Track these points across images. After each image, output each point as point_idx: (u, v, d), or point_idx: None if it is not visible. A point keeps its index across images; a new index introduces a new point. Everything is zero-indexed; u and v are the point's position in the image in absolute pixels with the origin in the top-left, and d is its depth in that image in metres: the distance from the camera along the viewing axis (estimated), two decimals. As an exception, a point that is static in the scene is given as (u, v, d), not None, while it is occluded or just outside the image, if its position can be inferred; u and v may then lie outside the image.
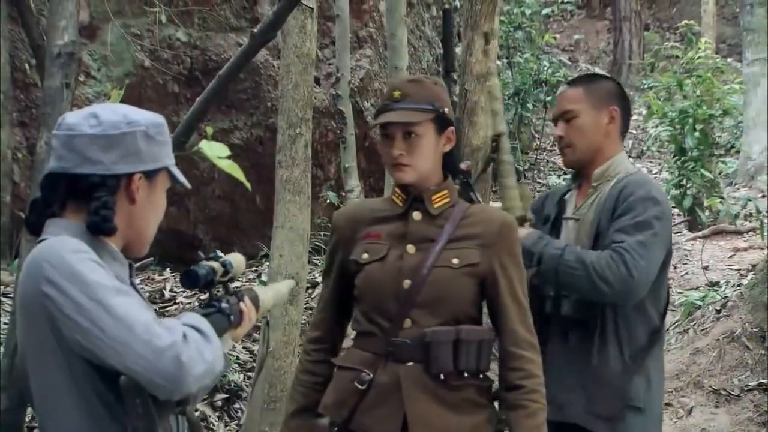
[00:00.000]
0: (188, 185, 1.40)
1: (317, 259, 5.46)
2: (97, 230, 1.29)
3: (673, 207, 6.50)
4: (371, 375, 1.68)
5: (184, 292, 4.69)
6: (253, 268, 5.37)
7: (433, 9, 8.04)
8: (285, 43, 3.37)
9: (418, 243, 1.71)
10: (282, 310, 3.18)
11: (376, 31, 6.56)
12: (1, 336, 3.36)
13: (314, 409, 1.78)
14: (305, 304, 4.28)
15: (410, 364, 1.67)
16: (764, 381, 3.85)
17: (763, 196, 7.31)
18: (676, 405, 3.83)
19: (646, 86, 9.42)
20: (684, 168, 6.91)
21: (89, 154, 1.29)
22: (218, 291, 1.38)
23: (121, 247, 1.36)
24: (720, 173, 7.60)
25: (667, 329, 4.49)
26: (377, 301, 1.70)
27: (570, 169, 2.20)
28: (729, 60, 9.63)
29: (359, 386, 1.68)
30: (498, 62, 4.44)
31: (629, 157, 4.37)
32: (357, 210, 1.84)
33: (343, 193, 5.15)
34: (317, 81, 5.66)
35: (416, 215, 1.73)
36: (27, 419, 2.62)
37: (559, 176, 8.90)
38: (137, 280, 4.60)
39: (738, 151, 8.62)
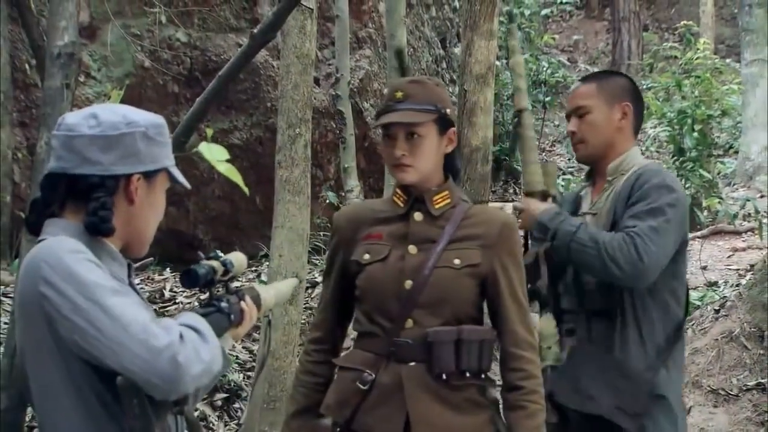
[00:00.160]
0: (188, 186, 1.40)
1: (317, 259, 5.47)
2: (96, 231, 1.29)
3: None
4: (373, 375, 1.68)
5: (183, 291, 4.69)
6: (253, 268, 5.37)
7: (432, 9, 8.05)
8: (285, 44, 3.38)
9: (420, 243, 1.71)
10: (282, 309, 3.19)
11: (375, 32, 6.57)
12: (1, 336, 3.37)
13: (315, 410, 1.79)
14: (305, 304, 4.28)
15: (412, 364, 1.67)
16: (763, 381, 3.86)
17: (762, 197, 7.33)
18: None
19: (644, 87, 9.43)
20: (683, 168, 6.92)
21: (88, 155, 1.29)
22: (219, 290, 1.38)
23: (121, 247, 1.36)
24: (718, 173, 7.61)
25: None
26: (379, 301, 1.70)
27: (581, 164, 2.23)
28: (727, 60, 9.65)
29: (361, 386, 1.68)
30: (497, 62, 4.45)
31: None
32: (358, 211, 1.85)
33: (343, 193, 5.16)
34: (317, 81, 5.67)
35: (417, 216, 1.74)
36: (27, 419, 2.62)
37: (558, 176, 8.91)
38: (137, 280, 4.59)
39: (736, 152, 8.63)
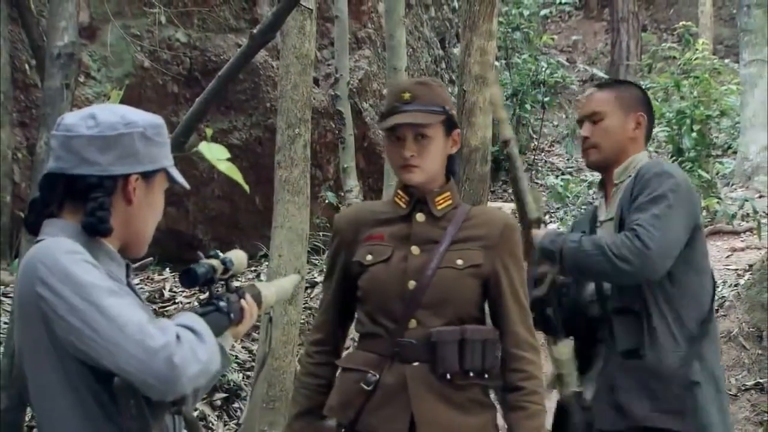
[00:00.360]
0: (187, 186, 1.40)
1: (316, 259, 5.48)
2: (93, 231, 1.29)
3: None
4: (377, 376, 1.68)
5: (183, 291, 4.70)
6: (253, 268, 5.38)
7: (431, 10, 8.06)
8: (284, 44, 3.39)
9: (422, 244, 1.72)
10: (281, 309, 3.20)
11: (374, 32, 6.57)
12: (1, 336, 3.37)
13: (318, 412, 1.79)
14: (304, 304, 4.29)
15: (416, 364, 1.68)
16: (761, 380, 3.87)
17: (761, 197, 7.33)
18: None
19: (643, 87, 9.42)
20: (681, 168, 6.93)
21: (86, 155, 1.29)
22: (219, 289, 1.38)
23: (119, 247, 1.36)
24: (717, 174, 7.62)
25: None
26: (382, 302, 1.71)
27: (592, 171, 2.24)
28: (726, 61, 9.66)
29: (365, 387, 1.68)
30: (496, 63, 4.45)
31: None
32: (359, 212, 1.85)
33: (342, 194, 5.17)
34: (316, 82, 5.67)
35: (420, 217, 1.74)
36: (27, 419, 2.62)
37: (557, 176, 8.92)
38: (136, 280, 4.56)
39: (735, 152, 8.63)
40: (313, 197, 4.47)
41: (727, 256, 6.01)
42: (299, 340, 3.51)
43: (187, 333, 1.22)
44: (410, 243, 1.72)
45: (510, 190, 9.13)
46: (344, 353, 1.87)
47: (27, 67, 4.94)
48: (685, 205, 1.96)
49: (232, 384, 3.89)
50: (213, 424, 3.69)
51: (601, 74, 10.96)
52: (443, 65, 8.26)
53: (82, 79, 4.95)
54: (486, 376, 1.71)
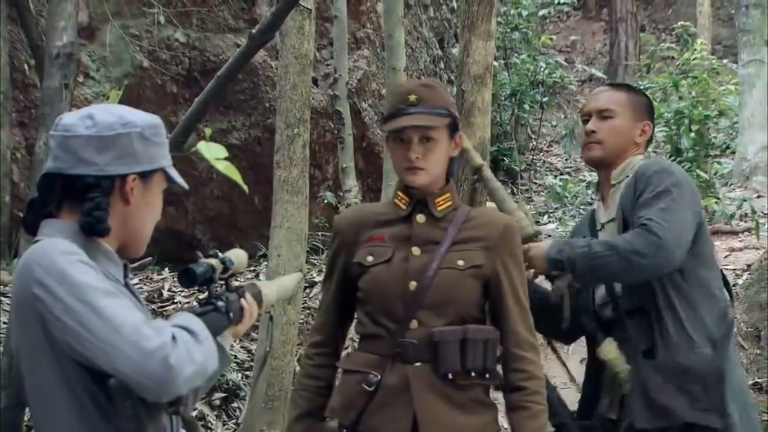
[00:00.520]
0: (185, 186, 1.40)
1: (315, 259, 5.48)
2: (91, 231, 1.30)
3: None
4: (379, 376, 1.68)
5: (182, 291, 4.70)
6: (252, 268, 5.38)
7: (430, 10, 8.06)
8: (283, 44, 3.39)
9: (423, 245, 1.73)
10: (280, 309, 3.20)
11: (373, 32, 6.58)
12: (1, 335, 3.37)
13: (318, 414, 1.79)
14: (303, 303, 4.29)
15: (418, 364, 1.68)
16: (760, 380, 3.88)
17: (759, 197, 7.35)
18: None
19: (642, 87, 9.45)
20: (680, 168, 6.93)
21: (84, 155, 1.29)
22: (218, 288, 1.38)
23: (117, 247, 1.36)
24: (715, 174, 7.63)
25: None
26: (383, 302, 1.71)
27: (589, 166, 2.21)
28: (724, 61, 9.66)
29: (367, 388, 1.68)
30: (495, 63, 4.46)
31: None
32: (359, 213, 1.86)
33: (341, 193, 5.17)
34: (315, 82, 5.68)
35: (420, 218, 1.75)
36: (26, 418, 2.63)
37: (555, 176, 8.93)
38: (135, 280, 4.55)
39: (733, 152, 8.65)
40: (312, 197, 4.47)
41: (726, 256, 6.02)
42: (298, 339, 3.51)
43: (183, 334, 1.22)
44: (411, 244, 1.73)
45: (509, 190, 9.15)
46: (343, 354, 1.88)
47: (26, 67, 4.94)
48: (689, 199, 1.97)
49: (231, 384, 3.89)
50: (212, 424, 3.70)
51: (599, 74, 10.98)
52: (442, 65, 8.26)
53: (81, 79, 4.95)
54: (487, 375, 1.72)
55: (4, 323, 3.54)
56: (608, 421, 2.05)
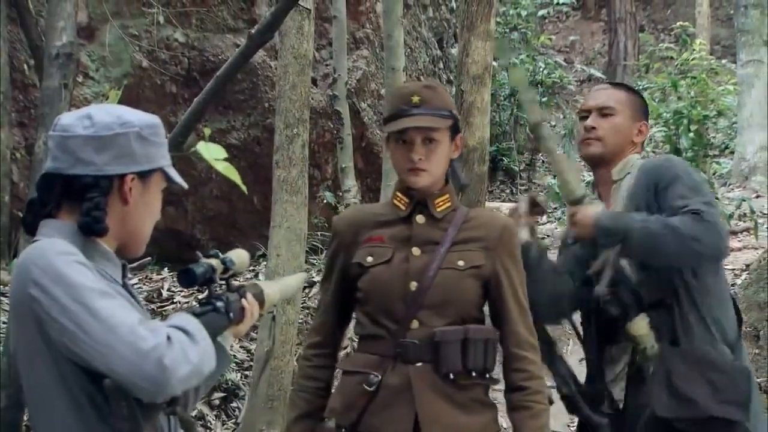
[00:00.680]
0: (185, 185, 1.40)
1: (314, 259, 5.48)
2: (89, 231, 1.30)
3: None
4: (379, 377, 1.69)
5: (181, 291, 4.70)
6: (251, 268, 5.39)
7: (429, 10, 8.07)
8: (282, 44, 3.39)
9: (423, 245, 1.73)
10: (279, 309, 3.20)
11: (372, 32, 6.58)
12: (1, 335, 3.38)
13: (317, 415, 1.79)
14: (302, 303, 4.29)
15: (419, 364, 1.69)
16: (759, 380, 3.88)
17: (758, 197, 7.36)
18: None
19: (641, 87, 9.46)
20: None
21: (82, 155, 1.29)
22: (219, 288, 1.38)
23: (116, 247, 1.36)
24: (714, 174, 7.64)
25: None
26: (384, 303, 1.71)
27: (587, 163, 2.18)
28: (723, 61, 9.67)
29: (368, 388, 1.68)
30: (494, 63, 4.45)
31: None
32: (358, 214, 1.87)
33: (340, 193, 5.18)
34: (314, 82, 5.68)
35: (420, 219, 1.76)
36: (26, 418, 2.63)
37: (554, 176, 8.93)
38: (135, 280, 4.54)
39: (732, 152, 8.66)
40: (312, 197, 4.47)
41: (725, 256, 6.01)
42: (297, 339, 3.51)
43: (178, 334, 1.22)
44: (411, 244, 1.73)
45: (507, 190, 9.16)
46: (341, 354, 1.88)
47: (25, 67, 4.95)
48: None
49: (230, 383, 3.90)
50: (211, 424, 3.70)
51: (598, 74, 11.00)
52: (441, 65, 8.27)
53: (80, 79, 4.96)
54: (487, 375, 1.73)
55: (4, 323, 3.54)
56: (616, 409, 2.04)
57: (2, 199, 4.48)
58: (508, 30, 9.19)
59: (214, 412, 3.78)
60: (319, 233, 5.55)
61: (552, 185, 8.22)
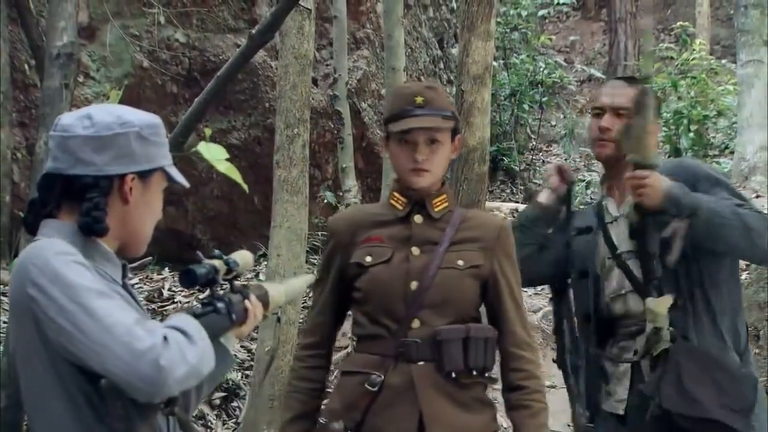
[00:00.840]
0: (186, 184, 1.40)
1: (315, 259, 5.48)
2: (89, 231, 1.29)
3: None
4: (382, 376, 1.69)
5: (182, 291, 4.71)
6: (252, 268, 5.39)
7: (430, 10, 8.07)
8: (283, 44, 3.40)
9: (422, 245, 1.74)
10: (279, 309, 3.20)
11: (373, 33, 6.59)
12: (1, 335, 3.38)
13: (312, 416, 1.79)
14: (303, 303, 4.30)
15: (421, 363, 1.69)
16: (759, 380, 3.87)
17: (758, 197, 7.35)
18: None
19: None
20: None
21: (82, 156, 1.29)
22: (222, 289, 1.38)
23: (117, 247, 1.36)
24: (714, 174, 7.64)
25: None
26: (384, 302, 1.72)
27: (601, 162, 2.15)
28: (723, 61, 9.67)
29: (370, 388, 1.68)
30: (494, 63, 4.46)
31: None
32: (355, 214, 1.87)
33: (341, 193, 5.18)
34: (315, 82, 5.68)
35: (418, 219, 1.77)
36: (26, 417, 2.63)
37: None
38: (135, 280, 4.53)
39: (732, 152, 8.65)
40: (312, 197, 4.48)
41: (725, 256, 6.02)
42: (298, 339, 3.52)
43: (175, 334, 1.21)
44: (410, 244, 1.74)
45: (507, 190, 9.16)
46: (341, 355, 1.88)
47: (26, 67, 4.95)
48: None
49: (230, 383, 3.90)
50: (212, 423, 3.70)
51: (598, 74, 10.99)
52: (441, 65, 8.27)
53: (81, 79, 4.96)
54: (486, 374, 1.74)
55: (4, 323, 3.55)
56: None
57: (3, 199, 4.49)
58: (508, 30, 9.19)
59: (215, 412, 3.79)
60: (319, 233, 5.56)
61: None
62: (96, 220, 1.29)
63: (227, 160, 1.63)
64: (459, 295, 1.72)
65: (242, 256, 1.41)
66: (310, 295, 5.12)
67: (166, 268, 5.17)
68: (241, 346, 4.26)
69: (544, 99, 9.28)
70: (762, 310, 4.21)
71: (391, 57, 4.14)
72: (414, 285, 1.70)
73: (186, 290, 4.62)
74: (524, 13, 9.38)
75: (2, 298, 4.07)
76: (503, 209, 8.05)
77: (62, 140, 1.31)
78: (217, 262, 1.36)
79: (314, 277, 1.66)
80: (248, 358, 4.16)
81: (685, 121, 7.02)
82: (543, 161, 9.82)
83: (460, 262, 1.72)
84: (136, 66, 5.34)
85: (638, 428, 1.98)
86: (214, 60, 5.47)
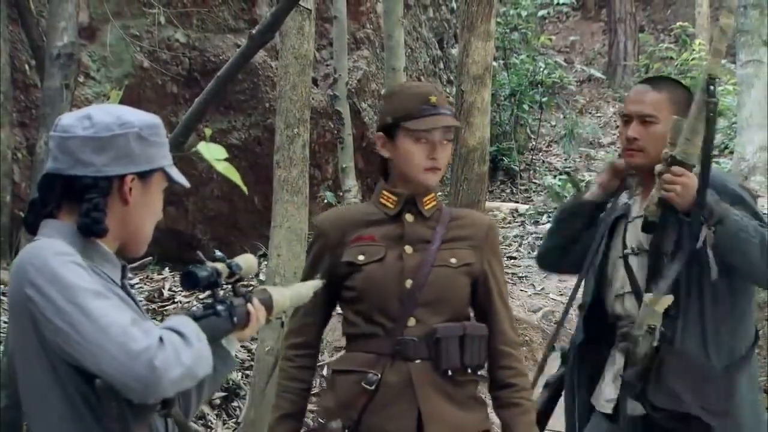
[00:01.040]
0: (187, 185, 1.40)
1: (314, 259, 5.48)
2: (88, 232, 1.30)
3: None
4: (378, 375, 1.69)
5: (182, 291, 4.71)
6: (255, 272, 5.39)
7: (430, 11, 8.08)
8: (283, 45, 3.40)
9: (415, 244, 1.75)
10: (283, 313, 3.20)
11: (373, 33, 6.60)
12: (1, 335, 3.38)
13: (300, 415, 1.81)
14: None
15: (418, 361, 1.70)
16: (759, 380, 3.88)
17: (757, 197, 7.36)
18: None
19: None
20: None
21: (81, 156, 1.29)
22: (224, 292, 1.37)
23: (117, 247, 1.36)
24: (714, 174, 7.63)
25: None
26: (379, 301, 1.72)
27: (633, 170, 2.09)
28: (723, 61, 9.67)
29: (368, 387, 1.69)
30: (494, 63, 4.46)
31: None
32: (343, 214, 1.88)
33: (341, 193, 5.18)
34: (315, 82, 5.69)
35: (409, 217, 1.77)
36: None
37: (554, 176, 8.94)
38: (135, 280, 4.53)
39: (732, 152, 8.66)
40: (312, 197, 4.48)
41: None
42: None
43: (172, 336, 1.21)
44: (403, 243, 1.75)
45: (507, 190, 9.16)
46: (336, 357, 1.88)
47: (27, 67, 4.96)
48: None
49: (231, 383, 3.90)
50: (212, 423, 3.71)
51: (598, 75, 11.00)
52: (441, 66, 8.28)
53: (81, 79, 4.97)
54: (479, 372, 1.76)
55: (4, 323, 3.55)
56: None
57: (3, 199, 4.49)
58: (508, 30, 9.19)
59: (215, 412, 3.79)
60: (319, 233, 5.56)
61: (552, 185, 8.23)
62: (95, 221, 1.29)
63: (227, 160, 1.63)
64: (453, 293, 1.73)
65: (246, 260, 1.41)
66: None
67: (167, 268, 5.17)
68: (242, 346, 4.26)
69: (544, 99, 9.28)
70: (762, 310, 4.20)
71: (391, 57, 4.14)
72: (409, 283, 1.71)
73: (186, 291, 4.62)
74: (524, 13, 9.38)
75: (2, 298, 4.07)
76: (503, 209, 8.05)
77: (62, 141, 1.31)
78: (219, 265, 1.35)
79: (321, 282, 1.65)
80: (248, 358, 4.16)
81: (685, 121, 7.00)
82: (543, 161, 9.83)
83: (453, 260, 1.73)
84: (136, 66, 5.34)
85: (626, 427, 1.99)
86: (214, 60, 5.48)
